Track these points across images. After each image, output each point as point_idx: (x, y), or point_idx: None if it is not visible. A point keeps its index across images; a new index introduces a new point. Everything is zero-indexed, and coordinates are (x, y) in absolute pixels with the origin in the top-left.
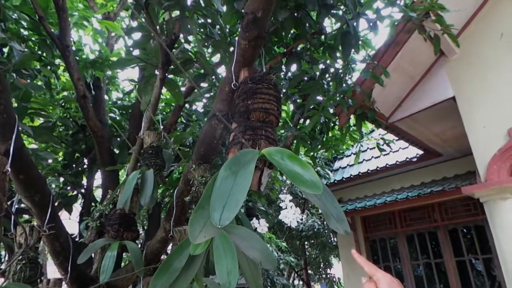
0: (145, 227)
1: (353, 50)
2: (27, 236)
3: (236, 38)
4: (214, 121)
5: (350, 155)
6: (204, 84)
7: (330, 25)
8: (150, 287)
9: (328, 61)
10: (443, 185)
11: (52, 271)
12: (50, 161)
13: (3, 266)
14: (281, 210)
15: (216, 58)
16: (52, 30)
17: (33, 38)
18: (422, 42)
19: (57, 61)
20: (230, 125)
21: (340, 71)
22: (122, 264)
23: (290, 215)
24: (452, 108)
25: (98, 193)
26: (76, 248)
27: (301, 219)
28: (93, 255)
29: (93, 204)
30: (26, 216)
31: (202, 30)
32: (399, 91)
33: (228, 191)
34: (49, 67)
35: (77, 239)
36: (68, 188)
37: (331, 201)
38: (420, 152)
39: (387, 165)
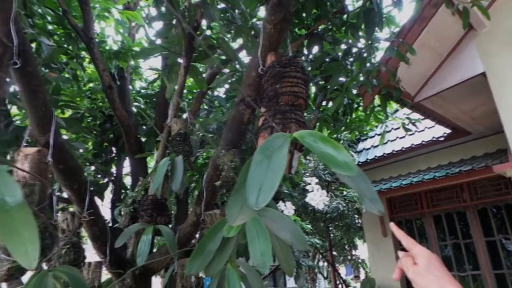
0: (173, 212)
1: (376, 28)
2: (69, 222)
3: (257, 22)
4: (241, 107)
5: (373, 136)
6: (225, 71)
7: (352, 3)
8: (187, 269)
9: (350, 41)
10: (472, 164)
11: (90, 256)
12: (81, 150)
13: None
14: (307, 193)
15: (236, 44)
16: (76, 22)
17: (58, 32)
18: (450, 16)
19: (82, 53)
20: (259, 110)
21: (363, 50)
22: (154, 248)
23: (317, 198)
24: (482, 84)
25: (127, 181)
26: (112, 233)
27: (323, 207)
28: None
29: (123, 191)
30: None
31: (223, 15)
32: (425, 69)
33: (263, 175)
34: (75, 60)
35: (110, 225)
36: (99, 176)
37: (364, 181)
38: (448, 130)
39: (413, 145)
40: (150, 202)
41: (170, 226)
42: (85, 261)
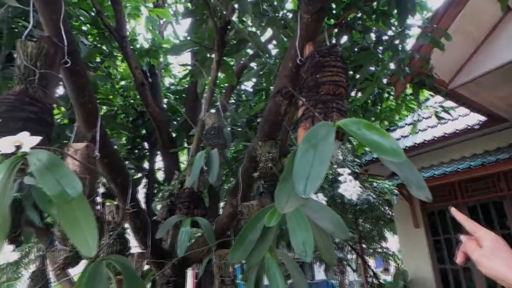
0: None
1: (409, 14)
2: (114, 215)
3: (287, 13)
4: (278, 98)
5: (404, 126)
6: (252, 65)
7: None
8: (229, 259)
9: (380, 29)
10: (510, 152)
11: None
12: (115, 147)
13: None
14: (340, 184)
15: (263, 37)
16: (109, 22)
17: (92, 33)
18: None
19: (115, 52)
20: (296, 101)
21: (395, 38)
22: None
23: (350, 188)
24: None
25: (159, 175)
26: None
27: (357, 198)
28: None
29: (155, 185)
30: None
31: (254, 8)
32: (459, 55)
33: (309, 164)
34: (109, 58)
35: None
36: (133, 171)
37: (410, 168)
38: (482, 118)
39: (445, 134)
40: (187, 195)
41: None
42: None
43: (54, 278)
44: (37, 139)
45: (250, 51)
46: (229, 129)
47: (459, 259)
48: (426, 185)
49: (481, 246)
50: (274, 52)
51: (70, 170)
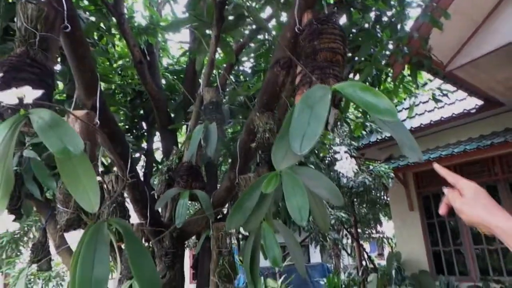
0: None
1: None
2: (114, 184)
3: None
4: (276, 68)
5: (401, 110)
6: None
7: None
8: (227, 225)
9: (380, 9)
10: (505, 136)
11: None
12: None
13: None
14: (336, 161)
15: (263, 15)
16: None
17: (89, 10)
18: None
19: (113, 30)
20: (295, 72)
21: (394, 18)
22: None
23: (346, 165)
24: None
25: (157, 155)
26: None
27: (353, 175)
28: (160, 209)
29: (154, 164)
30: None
31: None
32: (458, 36)
33: (306, 122)
34: (107, 34)
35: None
36: (131, 150)
37: (403, 130)
38: (479, 102)
39: (442, 118)
40: (185, 169)
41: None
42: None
43: (54, 250)
44: (38, 92)
45: (248, 32)
46: (227, 106)
47: (442, 210)
48: (418, 147)
49: (462, 195)
50: (274, 33)
51: (71, 128)
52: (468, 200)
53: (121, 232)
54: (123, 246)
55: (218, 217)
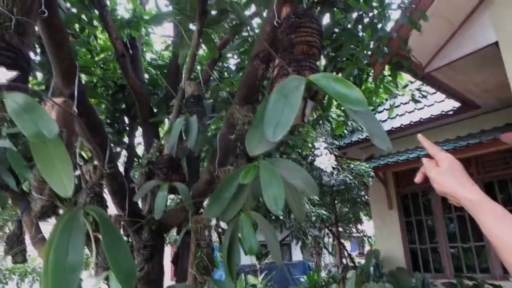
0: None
1: None
2: (92, 174)
3: None
4: (256, 62)
5: (382, 111)
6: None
7: None
8: (204, 214)
9: (361, 9)
10: (481, 137)
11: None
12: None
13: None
14: (316, 157)
15: (247, 12)
16: None
17: (70, 1)
18: None
19: (95, 23)
20: (272, 64)
21: (375, 19)
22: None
23: (325, 161)
24: (494, 55)
25: (139, 150)
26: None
27: (333, 173)
28: (139, 203)
29: (135, 159)
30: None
31: None
32: (437, 39)
33: (280, 111)
34: (89, 25)
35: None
36: (112, 145)
37: (374, 122)
38: (457, 105)
39: (421, 119)
40: (165, 161)
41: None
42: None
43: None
44: (13, 73)
45: (231, 27)
46: (210, 102)
47: (418, 178)
48: (388, 138)
49: (438, 166)
50: (257, 31)
51: (46, 112)
52: (442, 171)
53: (97, 220)
54: (100, 237)
55: (198, 212)
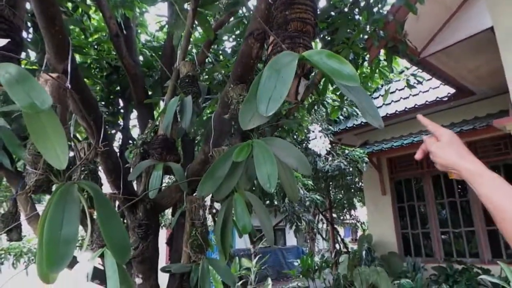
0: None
1: None
2: (86, 152)
3: None
4: (250, 40)
5: (378, 97)
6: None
7: None
8: (198, 191)
9: None
10: (474, 124)
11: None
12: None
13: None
14: (310, 140)
15: None
16: None
17: None
18: None
19: (88, 2)
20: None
21: (372, 1)
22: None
23: (320, 144)
24: (489, 41)
25: (134, 132)
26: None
27: (327, 159)
28: (134, 183)
29: (130, 142)
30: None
31: None
32: (433, 24)
33: (272, 86)
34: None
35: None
36: (107, 127)
37: (366, 99)
38: (452, 91)
39: (416, 106)
40: (160, 141)
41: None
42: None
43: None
44: (5, 41)
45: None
46: (205, 84)
47: (418, 155)
48: (379, 115)
49: (439, 140)
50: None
51: (39, 84)
52: (443, 145)
53: (91, 194)
54: (94, 215)
55: (193, 192)
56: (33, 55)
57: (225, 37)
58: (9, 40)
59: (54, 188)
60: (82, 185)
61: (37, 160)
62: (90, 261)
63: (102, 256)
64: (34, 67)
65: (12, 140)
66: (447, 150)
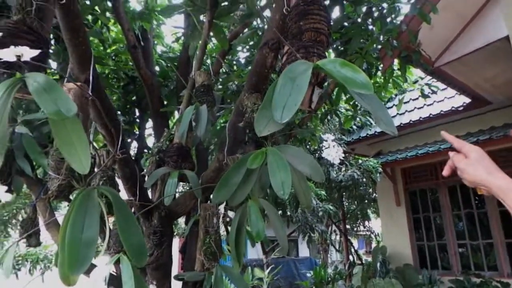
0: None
1: None
2: (105, 159)
3: None
4: (265, 50)
5: (391, 107)
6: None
7: None
8: (213, 199)
9: (371, 1)
10: (491, 134)
11: None
12: None
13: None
14: (324, 149)
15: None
16: None
17: None
18: None
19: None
20: (281, 53)
21: (385, 11)
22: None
23: (333, 153)
24: (506, 49)
25: (149, 141)
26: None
27: (341, 169)
28: (149, 191)
29: (145, 150)
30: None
31: None
32: (447, 33)
33: (287, 94)
34: (101, 15)
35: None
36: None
37: (379, 106)
38: (467, 100)
39: (431, 115)
40: (175, 149)
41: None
42: None
43: (44, 227)
44: (36, 52)
45: (240, 16)
46: (219, 93)
47: (445, 171)
48: (393, 122)
49: (467, 157)
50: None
51: (65, 92)
52: (472, 161)
53: (111, 199)
54: (111, 222)
55: (207, 200)
56: (54, 65)
57: (239, 48)
58: (39, 51)
59: (74, 194)
60: (102, 190)
61: (60, 166)
62: (108, 264)
63: (117, 262)
64: (55, 77)
65: (33, 147)
66: (477, 167)
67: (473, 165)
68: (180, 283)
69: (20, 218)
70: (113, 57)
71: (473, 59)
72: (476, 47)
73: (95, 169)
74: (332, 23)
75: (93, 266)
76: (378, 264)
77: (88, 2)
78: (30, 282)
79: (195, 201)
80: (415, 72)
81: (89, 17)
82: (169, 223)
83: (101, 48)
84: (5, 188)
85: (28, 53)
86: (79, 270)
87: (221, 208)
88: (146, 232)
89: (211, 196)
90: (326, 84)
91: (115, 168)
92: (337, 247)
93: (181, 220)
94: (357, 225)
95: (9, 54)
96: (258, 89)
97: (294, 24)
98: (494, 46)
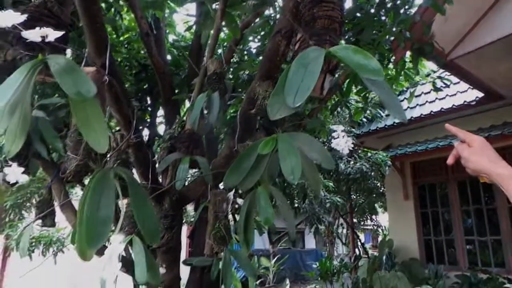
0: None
1: None
2: (119, 143)
3: None
4: (278, 38)
5: (403, 100)
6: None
7: None
8: (224, 182)
9: None
10: (503, 129)
11: None
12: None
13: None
14: (333, 140)
15: None
16: None
17: None
18: None
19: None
20: (293, 41)
21: (399, 2)
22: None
23: (342, 143)
24: None
25: (160, 129)
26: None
27: (349, 161)
28: (160, 177)
29: (156, 138)
30: None
31: None
32: (462, 25)
33: (300, 79)
34: (115, 2)
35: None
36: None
37: (390, 93)
38: (480, 95)
39: (442, 109)
40: (187, 136)
41: None
42: None
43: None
44: (60, 33)
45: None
46: (231, 82)
47: (450, 160)
48: (403, 110)
49: (471, 146)
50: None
51: (85, 74)
52: (475, 150)
53: (126, 180)
54: (125, 204)
55: (217, 186)
56: (69, 52)
57: (250, 37)
58: (63, 33)
59: (87, 179)
60: (118, 171)
61: (77, 146)
62: (122, 243)
63: (129, 244)
64: None
65: (50, 131)
66: (480, 156)
67: (476, 154)
68: (188, 269)
69: (34, 202)
70: (126, 45)
71: (487, 52)
72: (491, 40)
73: (110, 152)
74: (344, 14)
75: (105, 247)
76: (384, 257)
77: None
78: (42, 263)
79: (205, 187)
80: (428, 65)
81: (103, 4)
82: (179, 207)
83: (114, 36)
84: (22, 169)
85: (52, 34)
86: (96, 244)
87: (231, 195)
88: (157, 216)
89: (221, 182)
90: (337, 75)
91: (129, 152)
92: (343, 241)
93: (190, 208)
94: (364, 219)
95: (34, 34)
96: (270, 76)
97: (307, 12)
98: (509, 40)
